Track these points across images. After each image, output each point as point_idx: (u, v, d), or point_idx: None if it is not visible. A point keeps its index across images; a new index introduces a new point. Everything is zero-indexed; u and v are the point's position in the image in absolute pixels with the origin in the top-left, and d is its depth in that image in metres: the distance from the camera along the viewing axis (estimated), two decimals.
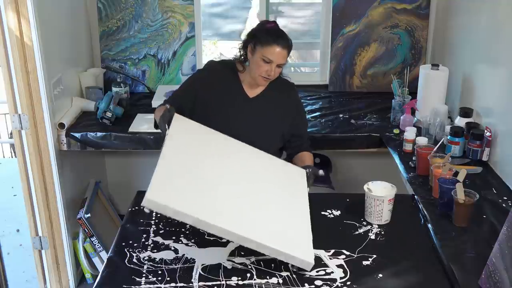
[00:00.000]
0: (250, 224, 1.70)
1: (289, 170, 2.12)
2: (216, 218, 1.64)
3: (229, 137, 2.08)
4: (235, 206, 1.75)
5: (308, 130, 2.70)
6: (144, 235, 1.90)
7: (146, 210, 1.74)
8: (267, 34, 2.12)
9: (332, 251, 1.80)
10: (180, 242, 1.85)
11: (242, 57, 2.23)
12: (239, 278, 1.67)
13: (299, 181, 2.06)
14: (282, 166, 2.13)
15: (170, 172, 1.75)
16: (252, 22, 7.13)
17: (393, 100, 2.80)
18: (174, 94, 2.34)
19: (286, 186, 2.00)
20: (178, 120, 2.01)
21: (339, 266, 1.73)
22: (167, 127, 1.96)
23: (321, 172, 2.14)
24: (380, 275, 1.68)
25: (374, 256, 1.78)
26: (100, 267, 2.60)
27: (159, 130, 2.09)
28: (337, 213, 2.04)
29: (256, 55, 2.12)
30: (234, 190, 1.83)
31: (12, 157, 4.80)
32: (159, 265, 1.74)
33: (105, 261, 1.80)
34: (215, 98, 2.22)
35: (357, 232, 1.91)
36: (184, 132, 1.99)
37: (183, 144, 1.92)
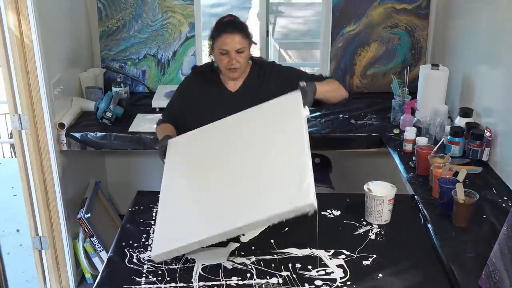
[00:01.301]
0: (244, 209, 1.66)
1: (281, 104, 1.98)
2: (211, 229, 1.65)
3: (218, 122, 2.06)
4: (229, 200, 1.73)
5: (308, 130, 2.70)
6: (144, 235, 1.90)
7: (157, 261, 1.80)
8: (216, 28, 2.18)
9: (332, 251, 1.80)
10: None
11: (213, 60, 2.28)
12: (239, 278, 1.67)
13: (291, 109, 1.92)
14: (275, 106, 2.00)
15: (167, 214, 1.81)
16: (252, 22, 7.13)
17: (393, 100, 2.80)
18: (167, 106, 2.40)
19: (279, 128, 1.89)
20: (172, 146, 2.07)
21: (339, 266, 1.73)
22: (163, 160, 2.04)
23: (303, 83, 1.96)
24: (380, 275, 1.68)
25: (374, 256, 1.78)
26: (100, 267, 2.60)
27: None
28: (337, 213, 2.04)
29: (215, 51, 2.18)
30: (227, 181, 1.81)
31: (12, 157, 4.80)
32: (159, 265, 1.74)
33: (105, 261, 1.80)
34: (202, 100, 2.27)
35: (357, 232, 1.91)
36: (179, 154, 2.04)
37: (178, 169, 1.98)
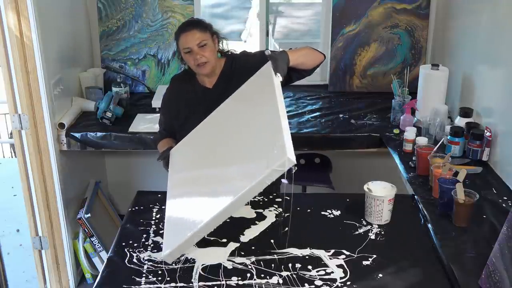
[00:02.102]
0: (229, 187, 1.66)
1: (255, 80, 2.03)
2: (206, 216, 1.64)
3: (208, 118, 2.08)
4: (216, 183, 1.76)
5: (308, 130, 2.71)
6: (144, 235, 1.90)
7: (169, 261, 1.79)
8: (177, 31, 2.19)
9: (332, 251, 1.80)
10: None
11: (185, 64, 2.28)
12: (239, 278, 1.67)
13: (263, 81, 1.95)
14: (250, 83, 2.04)
15: (172, 218, 1.83)
16: (252, 22, 7.13)
17: (393, 100, 2.80)
18: (159, 123, 2.41)
19: (255, 101, 1.93)
20: (173, 155, 2.13)
21: (339, 266, 1.73)
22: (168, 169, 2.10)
23: (268, 51, 1.98)
24: (380, 275, 1.68)
25: (374, 256, 1.78)
26: (100, 267, 2.60)
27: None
28: (337, 213, 2.04)
29: (181, 53, 2.19)
30: (215, 163, 1.85)
31: (12, 157, 4.79)
32: (159, 265, 1.74)
33: (105, 261, 1.80)
34: (183, 104, 2.28)
35: (357, 232, 1.91)
36: (180, 160, 2.07)
37: (180, 174, 2.01)
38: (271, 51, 2.02)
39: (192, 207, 1.79)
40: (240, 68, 2.24)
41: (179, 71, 3.25)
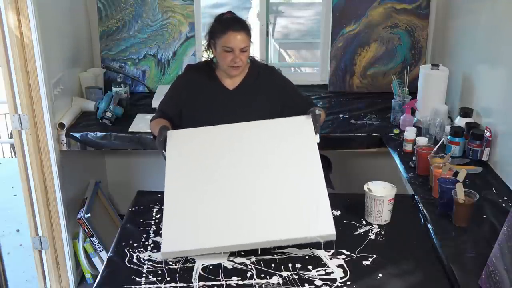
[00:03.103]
0: (263, 224, 1.73)
1: (293, 125, 2.05)
2: (230, 237, 1.70)
3: (223, 127, 2.06)
4: (245, 213, 1.78)
5: None
6: (144, 235, 1.90)
7: (164, 258, 1.79)
8: (220, 24, 2.17)
9: (332, 251, 1.80)
10: None
11: (210, 58, 2.28)
12: (239, 278, 1.67)
13: (303, 132, 2.01)
14: (282, 126, 2.06)
15: (177, 209, 1.82)
16: (252, 22, 7.11)
17: (393, 100, 2.80)
18: (161, 104, 2.38)
19: (294, 149, 1.96)
20: (172, 139, 2.05)
21: (339, 266, 1.73)
22: (164, 152, 2.04)
23: (317, 110, 2.07)
24: (380, 275, 1.68)
25: (374, 256, 1.78)
26: (100, 267, 2.60)
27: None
28: (337, 213, 2.04)
29: (217, 48, 2.16)
30: (241, 193, 1.84)
31: (12, 157, 4.80)
32: (159, 265, 1.74)
33: (105, 261, 1.80)
34: (197, 98, 2.25)
35: (357, 232, 1.91)
36: (181, 149, 2.03)
37: (182, 164, 1.97)
38: (315, 110, 2.06)
39: (210, 219, 1.78)
40: (264, 82, 2.28)
41: (179, 71, 3.25)
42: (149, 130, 2.68)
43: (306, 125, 2.03)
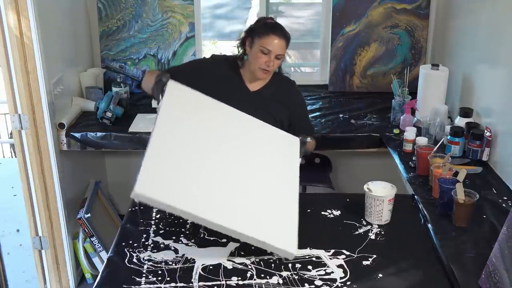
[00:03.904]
0: (237, 214, 1.69)
1: (282, 138, 2.10)
2: (204, 210, 1.63)
3: (222, 105, 2.03)
4: (224, 194, 1.73)
5: None
6: (144, 235, 1.90)
7: (136, 200, 1.67)
8: (265, 26, 2.17)
9: (332, 251, 1.80)
10: (180, 242, 1.85)
11: (240, 54, 2.25)
12: (239, 278, 1.67)
13: (291, 151, 2.05)
14: (275, 135, 2.09)
15: (160, 157, 1.71)
16: (252, 22, 7.10)
17: (393, 100, 2.80)
18: (173, 67, 2.30)
19: (279, 160, 1.99)
20: (173, 89, 1.95)
21: (339, 266, 1.73)
22: (161, 96, 1.94)
23: (308, 139, 2.13)
24: (380, 275, 1.68)
25: (374, 256, 1.78)
26: (100, 267, 2.60)
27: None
28: (337, 213, 2.04)
29: (254, 47, 2.15)
30: (224, 173, 1.80)
31: (12, 157, 4.80)
32: (159, 265, 1.74)
33: (105, 261, 1.80)
34: (216, 88, 2.18)
35: (357, 232, 1.91)
36: (178, 103, 1.94)
37: (176, 119, 1.87)
38: (306, 139, 2.13)
39: (197, 183, 1.71)
40: (283, 93, 2.30)
41: None
42: (149, 130, 2.69)
43: (296, 146, 2.09)
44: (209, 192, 1.72)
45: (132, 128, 2.73)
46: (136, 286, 1.65)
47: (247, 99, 2.22)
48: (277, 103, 2.27)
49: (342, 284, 1.65)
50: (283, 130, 2.21)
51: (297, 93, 2.37)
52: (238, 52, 2.26)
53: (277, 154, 2.02)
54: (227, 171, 1.82)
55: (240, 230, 1.65)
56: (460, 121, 2.45)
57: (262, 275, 1.69)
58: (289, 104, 2.29)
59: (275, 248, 1.68)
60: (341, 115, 2.91)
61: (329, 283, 1.65)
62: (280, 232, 1.73)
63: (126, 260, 1.77)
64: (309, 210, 2.05)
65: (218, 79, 2.24)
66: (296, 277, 1.68)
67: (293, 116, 2.31)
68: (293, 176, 1.96)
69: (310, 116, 2.88)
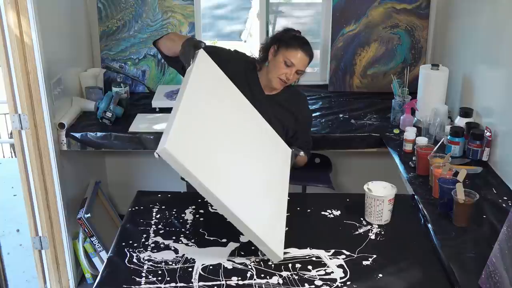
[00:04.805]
0: (243, 204, 1.70)
1: (281, 146, 2.18)
2: (220, 190, 1.62)
3: (241, 95, 2.08)
4: (236, 182, 1.76)
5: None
6: (144, 235, 1.90)
7: (156, 156, 1.57)
8: (293, 38, 2.18)
9: (332, 251, 1.80)
10: (180, 242, 1.85)
11: (260, 58, 2.27)
12: (239, 278, 1.67)
13: (284, 161, 2.13)
14: (277, 141, 2.16)
15: (188, 123, 1.68)
16: (252, 22, 7.12)
17: (393, 100, 2.80)
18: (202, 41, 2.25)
19: (275, 166, 2.06)
20: (203, 58, 1.98)
21: (339, 266, 1.73)
22: (191, 61, 1.94)
23: (301, 153, 2.21)
24: (380, 275, 1.68)
25: (374, 256, 1.78)
26: (100, 267, 2.60)
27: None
28: (337, 213, 2.04)
29: (278, 56, 2.16)
30: (234, 161, 1.83)
31: (12, 157, 4.80)
32: (159, 265, 1.74)
33: (105, 261, 1.80)
34: (236, 82, 2.14)
35: (357, 232, 1.91)
36: (207, 76, 1.97)
37: (203, 90, 1.88)
38: (300, 153, 2.23)
39: (221, 166, 1.72)
40: (293, 104, 2.34)
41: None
42: (149, 130, 2.70)
43: (288, 155, 2.18)
44: (225, 174, 1.73)
45: (132, 128, 2.73)
46: (136, 286, 1.65)
47: (260, 99, 2.24)
48: (287, 112, 2.31)
49: (342, 284, 1.65)
50: (286, 139, 2.26)
51: (307, 108, 2.43)
52: (259, 55, 2.28)
53: (275, 160, 2.08)
54: (236, 160, 1.85)
55: (245, 222, 1.65)
56: (460, 121, 2.45)
57: (262, 275, 1.69)
58: (298, 115, 2.34)
59: (268, 248, 1.69)
60: (341, 115, 2.91)
61: (329, 283, 1.65)
62: (273, 234, 1.75)
63: (126, 260, 1.77)
64: (309, 210, 2.05)
65: (237, 74, 2.22)
66: (296, 277, 1.68)
67: (297, 128, 2.35)
68: (284, 184, 2.02)
69: None
